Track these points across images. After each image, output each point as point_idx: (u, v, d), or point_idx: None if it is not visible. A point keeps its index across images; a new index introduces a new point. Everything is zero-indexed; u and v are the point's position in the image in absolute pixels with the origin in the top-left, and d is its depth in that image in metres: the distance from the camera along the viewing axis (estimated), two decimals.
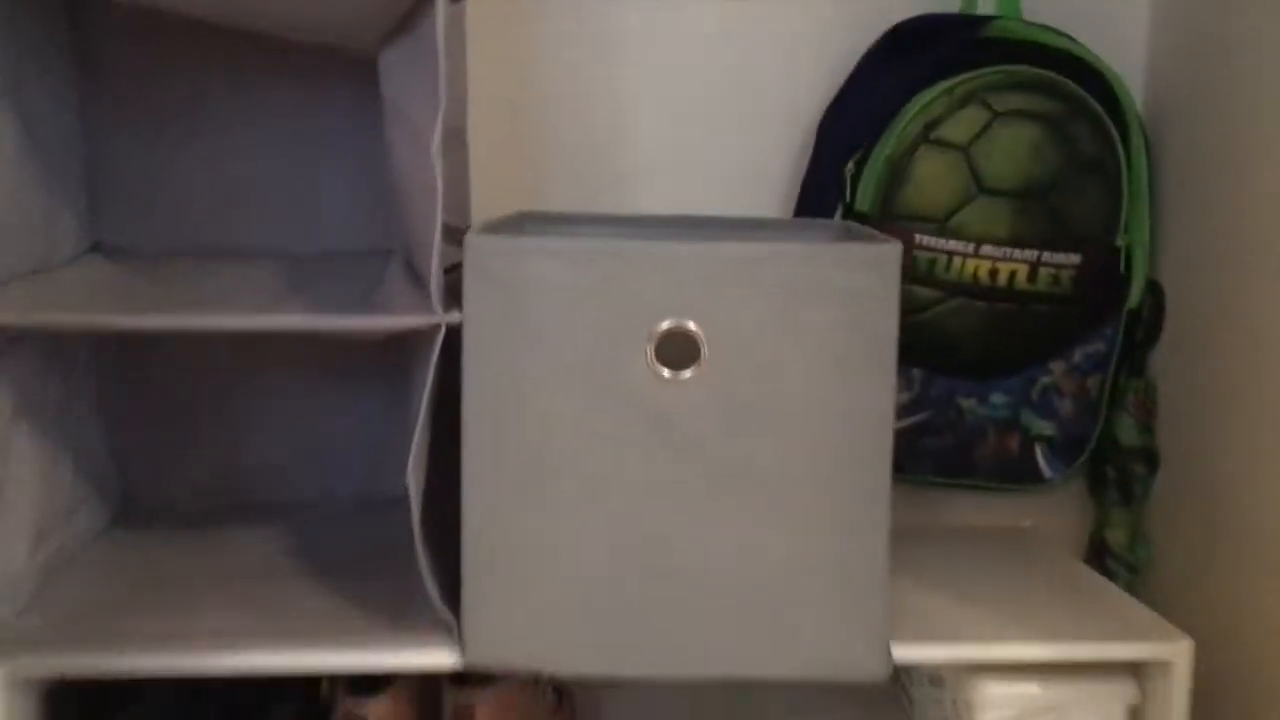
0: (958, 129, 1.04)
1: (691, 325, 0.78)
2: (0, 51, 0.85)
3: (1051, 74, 1.04)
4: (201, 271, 0.97)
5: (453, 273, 0.83)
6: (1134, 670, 0.89)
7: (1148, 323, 1.11)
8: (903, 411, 1.10)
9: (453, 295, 0.81)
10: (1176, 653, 0.86)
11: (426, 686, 0.94)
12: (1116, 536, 1.13)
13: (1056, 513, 1.17)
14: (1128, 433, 1.12)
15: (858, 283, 0.77)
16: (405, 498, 0.82)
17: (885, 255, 0.77)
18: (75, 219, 1.00)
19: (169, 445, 1.07)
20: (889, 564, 0.80)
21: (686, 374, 0.78)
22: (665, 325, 0.78)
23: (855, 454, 0.78)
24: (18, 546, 0.86)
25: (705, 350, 0.78)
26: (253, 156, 1.04)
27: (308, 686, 0.93)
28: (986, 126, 1.04)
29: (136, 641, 0.83)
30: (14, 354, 0.86)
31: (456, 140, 0.97)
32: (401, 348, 0.95)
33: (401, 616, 0.87)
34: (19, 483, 0.86)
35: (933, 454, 1.12)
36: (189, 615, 0.87)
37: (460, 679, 0.90)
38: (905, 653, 0.85)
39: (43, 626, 0.85)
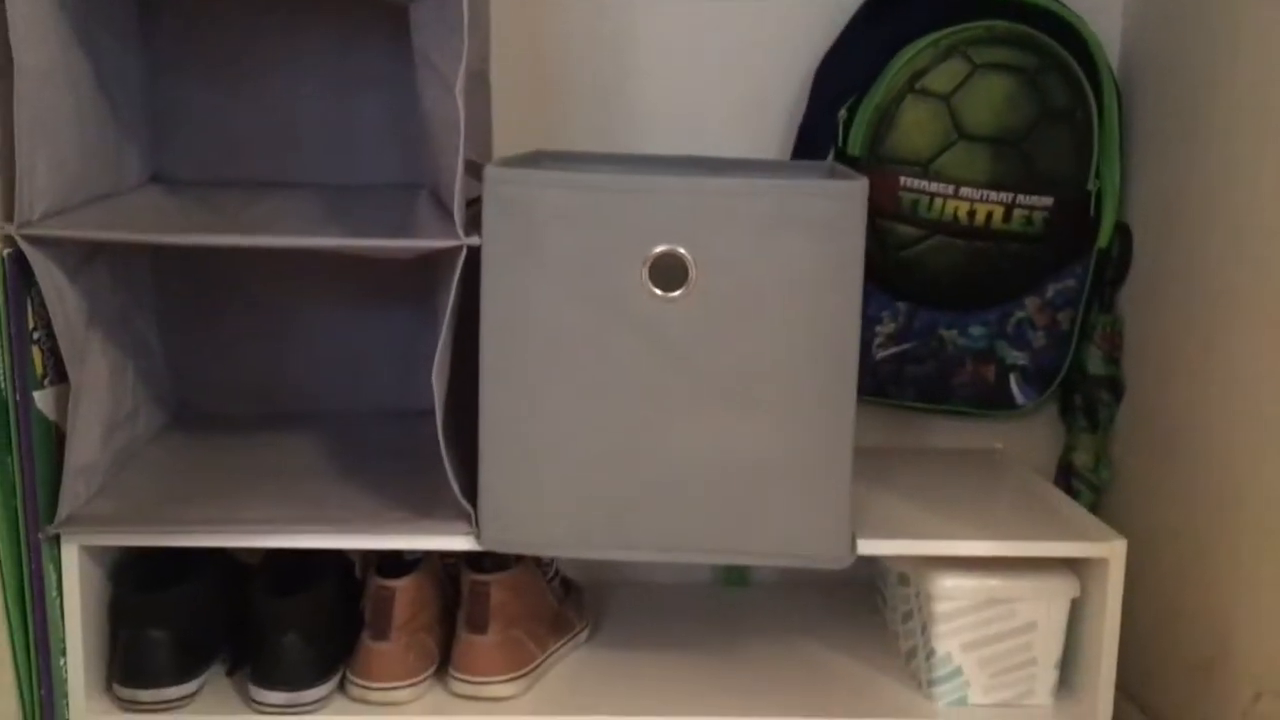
0: (941, 80, 1.13)
1: (681, 250, 0.88)
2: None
3: (1028, 29, 1.12)
4: (250, 199, 1.07)
5: (475, 205, 0.94)
6: (1076, 567, 1.00)
7: (1116, 262, 1.20)
8: (887, 340, 1.20)
9: (474, 224, 0.92)
10: (1112, 551, 0.96)
11: (448, 571, 1.06)
12: (1082, 459, 1.23)
13: (1028, 437, 1.27)
14: (1095, 364, 1.21)
15: (828, 214, 0.87)
16: (431, 408, 0.93)
17: (852, 190, 0.87)
18: (138, 151, 1.11)
19: (219, 357, 1.19)
20: (852, 461, 0.90)
21: (676, 293, 0.88)
22: (658, 250, 0.88)
23: (824, 363, 0.89)
24: (91, 440, 0.98)
25: (693, 272, 0.88)
26: (297, 96, 1.14)
27: (342, 569, 1.05)
28: (967, 78, 1.13)
29: (191, 523, 0.95)
30: (87, 270, 0.98)
31: (480, 83, 1.07)
32: (428, 269, 1.06)
33: (426, 506, 0.98)
34: (92, 384, 0.98)
35: (914, 381, 1.22)
36: (237, 504, 0.99)
37: (477, 564, 1.02)
38: (870, 546, 0.96)
39: (111, 508, 0.97)
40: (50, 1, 0.91)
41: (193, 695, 0.98)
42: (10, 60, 0.86)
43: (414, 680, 0.99)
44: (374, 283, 1.18)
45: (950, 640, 1.00)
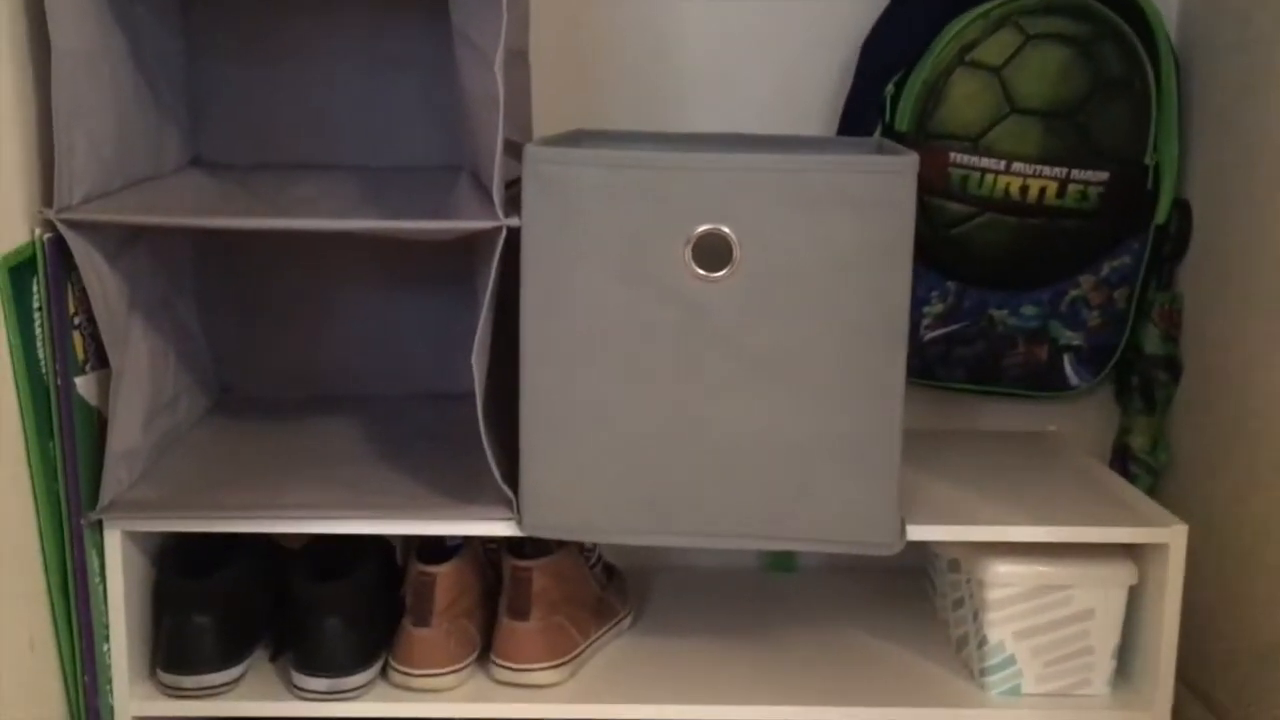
0: (991, 51, 1.10)
1: (725, 229, 0.86)
2: None
3: None
4: (289, 182, 1.07)
5: (515, 186, 0.92)
6: (1134, 553, 0.97)
7: (1175, 238, 1.17)
8: (937, 321, 1.17)
9: (514, 205, 0.90)
10: (1172, 536, 0.93)
11: (489, 557, 1.05)
12: (1139, 441, 1.20)
13: (1083, 419, 1.24)
14: (1153, 343, 1.18)
15: (877, 191, 0.84)
16: (471, 392, 0.92)
17: (902, 166, 0.84)
18: (179, 135, 1.10)
19: (260, 341, 1.18)
20: (901, 444, 0.88)
21: (720, 273, 0.86)
22: (701, 229, 0.86)
23: (871, 344, 0.86)
24: (133, 426, 0.98)
25: (738, 252, 0.86)
26: (335, 79, 1.13)
27: (384, 554, 1.04)
28: (1019, 49, 1.09)
29: (233, 508, 0.95)
30: (128, 253, 0.97)
31: (519, 61, 1.05)
32: (468, 251, 1.05)
33: (467, 492, 0.97)
34: (134, 370, 0.98)
35: (965, 362, 1.19)
36: (278, 489, 0.98)
37: (518, 549, 1.01)
38: (920, 532, 0.94)
39: (153, 494, 0.97)
40: None
41: (236, 681, 0.98)
42: (48, 43, 0.86)
43: (455, 667, 0.98)
44: (414, 264, 1.16)
45: (1003, 628, 0.97)
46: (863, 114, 1.16)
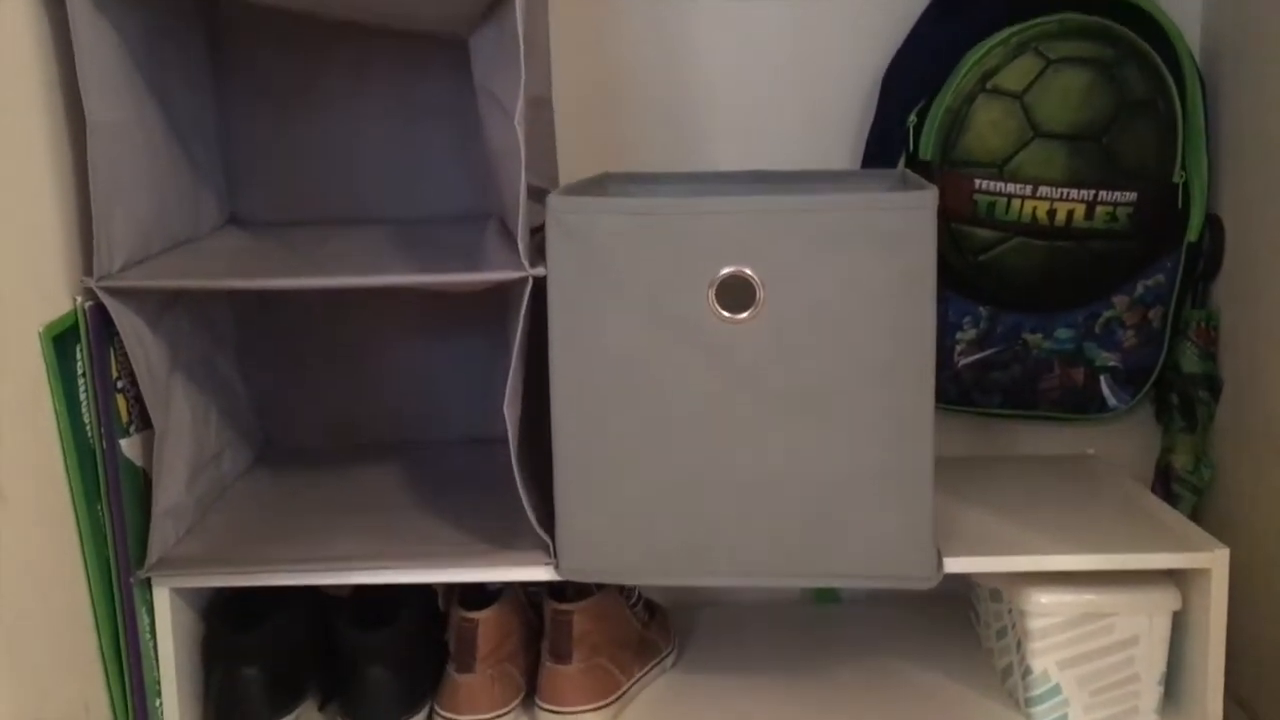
0: (1013, 77, 1.10)
1: (748, 271, 0.86)
2: (146, 50, 0.97)
3: (1101, 19, 1.08)
4: (323, 237, 1.09)
5: (541, 231, 0.93)
6: (1177, 578, 0.96)
7: (1208, 255, 1.16)
8: (972, 346, 1.17)
9: (540, 250, 0.91)
10: (1214, 560, 0.92)
11: (531, 600, 1.06)
12: (1182, 460, 1.18)
13: (1123, 440, 1.22)
14: (1191, 361, 1.17)
15: (897, 226, 0.85)
16: (505, 435, 0.93)
17: (921, 200, 0.85)
18: (214, 195, 1.13)
19: (300, 393, 1.20)
20: (933, 476, 0.88)
21: (744, 315, 0.87)
22: (724, 272, 0.87)
23: (899, 377, 0.87)
24: (178, 483, 1.00)
25: (761, 293, 0.87)
26: (364, 133, 1.16)
27: (426, 599, 1.05)
28: (1040, 74, 1.09)
29: (279, 561, 0.97)
30: (169, 316, 1.00)
31: (542, 108, 1.07)
32: (498, 299, 1.06)
33: (505, 537, 0.98)
34: (177, 429, 1.00)
35: (1001, 387, 1.18)
36: (322, 540, 1.00)
37: (559, 592, 1.02)
38: (957, 564, 0.93)
39: (200, 550, 0.99)
40: (122, 56, 0.93)
41: None
42: (83, 115, 0.88)
43: (500, 711, 0.98)
44: (447, 312, 1.18)
45: (1047, 657, 0.96)
46: (887, 144, 1.17)
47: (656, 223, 0.87)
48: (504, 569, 0.96)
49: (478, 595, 1.02)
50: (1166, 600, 0.95)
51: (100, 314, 0.91)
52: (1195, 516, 1.14)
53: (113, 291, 0.90)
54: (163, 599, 0.96)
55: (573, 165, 1.14)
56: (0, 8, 0.83)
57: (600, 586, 1.01)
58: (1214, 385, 1.17)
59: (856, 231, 0.85)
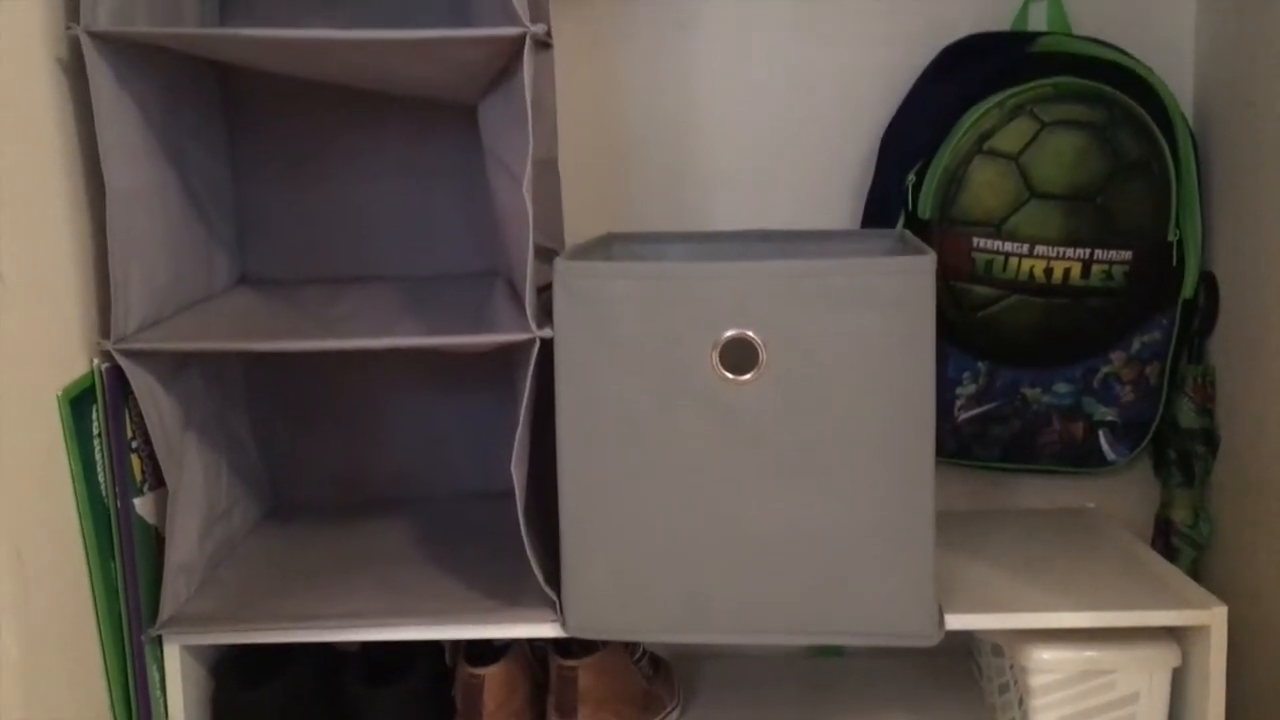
0: (1008, 139, 1.12)
1: (750, 334, 0.88)
2: (164, 117, 1.00)
3: (1095, 84, 1.11)
4: (333, 296, 1.11)
5: (548, 289, 0.95)
6: (1176, 634, 0.97)
7: (1203, 311, 1.17)
8: (971, 401, 1.19)
9: (547, 310, 0.93)
10: (1213, 618, 0.93)
11: (536, 655, 1.07)
12: (1180, 515, 1.19)
13: (1122, 493, 1.24)
14: (1188, 416, 1.18)
15: (897, 289, 0.87)
16: (511, 490, 0.94)
17: (919, 265, 0.87)
18: (227, 255, 1.15)
19: (309, 448, 1.22)
20: (934, 533, 0.89)
21: (747, 376, 0.89)
22: (728, 334, 0.89)
23: (900, 440, 0.88)
24: (190, 540, 1.01)
25: (763, 355, 0.89)
26: (374, 194, 1.18)
27: (434, 655, 1.06)
28: (1035, 136, 1.12)
29: (288, 618, 0.98)
30: (183, 375, 1.02)
31: (549, 170, 1.10)
32: (503, 356, 1.08)
33: (511, 594, 1.00)
34: (189, 486, 1.01)
35: (1001, 441, 1.20)
36: (330, 596, 1.01)
37: (564, 647, 1.03)
38: (958, 621, 0.95)
39: (210, 607, 1.00)
40: (141, 124, 0.96)
41: None
42: (102, 182, 0.90)
43: None
44: (454, 369, 1.20)
45: (1049, 714, 0.97)
46: (886, 203, 1.19)
47: (661, 287, 0.89)
48: (511, 626, 0.97)
49: (485, 650, 1.03)
50: (1167, 657, 0.96)
51: (116, 375, 0.92)
52: (1195, 571, 1.16)
53: (129, 354, 0.92)
54: (173, 656, 0.97)
55: (576, 221, 1.16)
56: (25, 78, 0.86)
57: (605, 642, 1.03)
58: (1211, 440, 1.18)
59: (857, 295, 0.87)
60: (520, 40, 0.87)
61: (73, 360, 0.90)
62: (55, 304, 0.89)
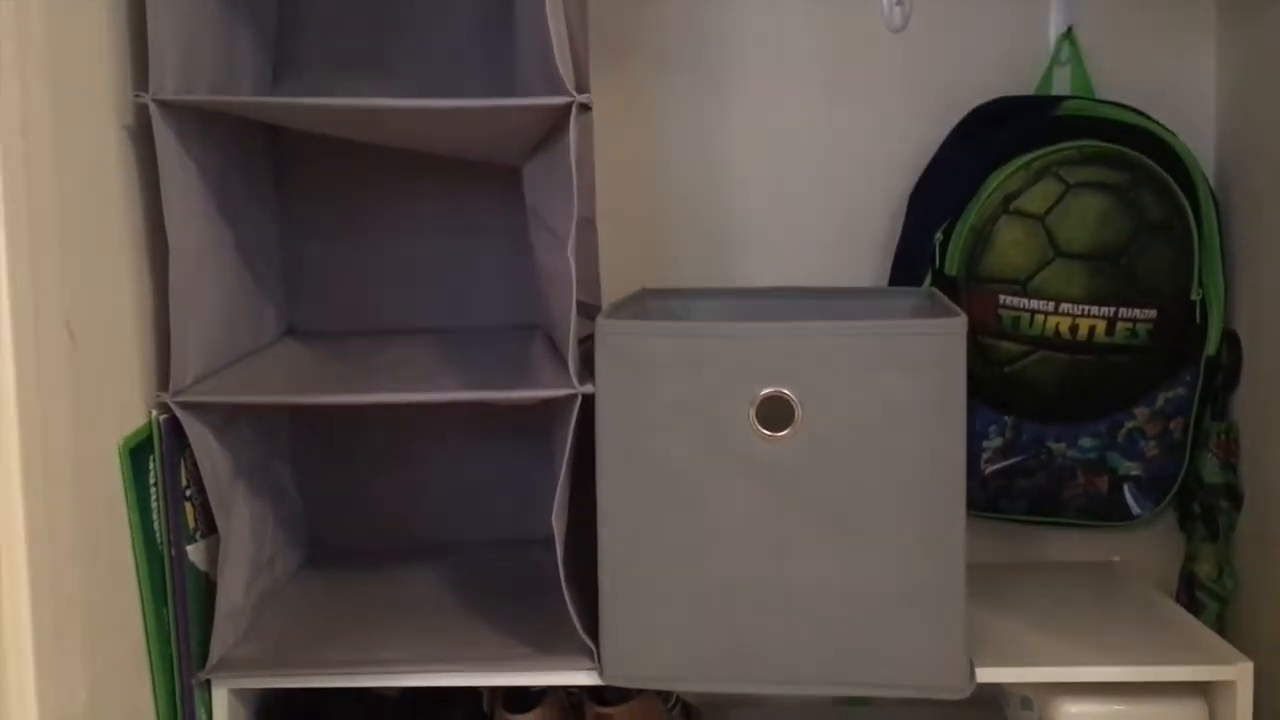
0: (1034, 200, 1.15)
1: (787, 392, 0.91)
2: (221, 180, 1.04)
3: (1118, 147, 1.14)
4: (377, 348, 1.14)
5: (587, 342, 0.98)
6: (1203, 689, 0.98)
7: (1226, 369, 1.20)
8: (996, 454, 1.21)
9: (586, 363, 0.96)
10: (1239, 674, 0.95)
11: (572, 702, 1.09)
12: (1205, 569, 1.21)
13: (1147, 546, 1.26)
14: (1211, 471, 1.20)
15: (928, 351, 0.90)
16: (550, 539, 0.97)
17: (950, 327, 0.89)
18: (274, 308, 1.19)
19: (350, 496, 1.25)
20: (965, 587, 0.91)
21: (783, 433, 0.92)
22: (764, 392, 0.92)
23: (932, 495, 0.91)
24: (238, 587, 1.04)
25: (799, 412, 0.91)
26: (418, 249, 1.22)
27: (472, 700, 1.08)
28: (1060, 197, 1.15)
29: (332, 664, 1.00)
30: (234, 425, 1.05)
31: (588, 228, 1.13)
32: (544, 409, 1.11)
33: (549, 641, 1.02)
34: (239, 534, 1.04)
35: (1027, 494, 1.22)
36: (372, 642, 1.04)
37: (599, 694, 1.05)
38: (989, 674, 0.96)
39: (256, 652, 1.03)
40: (200, 184, 1.00)
41: None
42: (164, 241, 0.94)
43: None
44: (493, 420, 1.23)
45: None
46: (914, 260, 1.22)
47: (701, 345, 0.92)
48: (549, 673, 0.99)
49: (522, 696, 1.05)
50: (1192, 712, 0.97)
51: (173, 426, 0.96)
52: (1220, 625, 1.17)
53: (186, 405, 0.96)
54: (221, 699, 0.99)
55: (610, 276, 1.19)
56: (95, 144, 0.90)
57: (640, 690, 1.05)
58: (1235, 495, 1.20)
59: (889, 356, 0.90)
60: (567, 109, 0.91)
61: (132, 412, 0.94)
62: (119, 358, 0.92)
